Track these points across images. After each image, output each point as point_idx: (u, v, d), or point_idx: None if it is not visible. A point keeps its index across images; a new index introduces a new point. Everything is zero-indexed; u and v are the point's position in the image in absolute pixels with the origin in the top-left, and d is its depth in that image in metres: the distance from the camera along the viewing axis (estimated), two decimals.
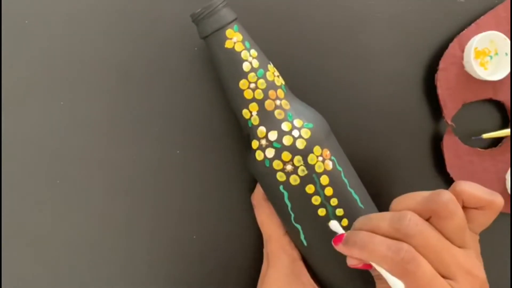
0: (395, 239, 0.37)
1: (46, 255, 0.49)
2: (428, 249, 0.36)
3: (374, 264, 0.38)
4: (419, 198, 0.38)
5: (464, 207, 0.39)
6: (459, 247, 0.38)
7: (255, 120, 0.44)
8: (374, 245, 0.37)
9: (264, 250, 0.49)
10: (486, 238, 0.56)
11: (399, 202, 0.39)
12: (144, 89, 0.50)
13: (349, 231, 0.40)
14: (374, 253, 0.37)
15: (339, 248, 0.39)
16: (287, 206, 0.45)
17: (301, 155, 0.43)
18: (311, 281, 0.47)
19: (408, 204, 0.38)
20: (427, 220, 0.37)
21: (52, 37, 0.48)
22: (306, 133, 0.44)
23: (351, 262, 0.39)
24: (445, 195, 0.37)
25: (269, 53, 0.46)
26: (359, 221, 0.40)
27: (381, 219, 0.38)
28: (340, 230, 0.41)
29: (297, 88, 0.48)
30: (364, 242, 0.37)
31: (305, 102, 0.47)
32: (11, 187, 0.48)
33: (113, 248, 0.50)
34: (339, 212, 0.45)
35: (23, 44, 0.48)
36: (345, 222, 0.45)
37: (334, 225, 0.42)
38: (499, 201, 0.39)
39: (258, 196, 0.49)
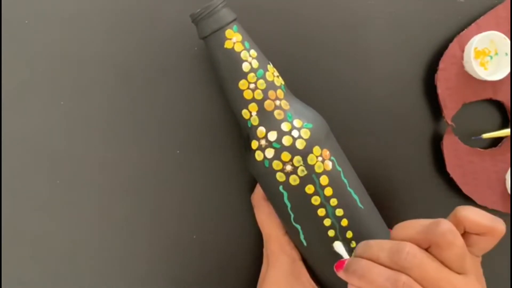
0: (394, 270, 0.37)
1: (46, 255, 0.49)
2: (427, 280, 0.36)
3: None
4: (418, 228, 0.38)
5: (466, 232, 0.39)
6: (459, 273, 0.38)
7: (254, 120, 0.44)
8: (372, 275, 0.37)
9: (264, 251, 0.50)
10: None
11: (399, 231, 0.39)
12: (144, 89, 0.50)
13: (350, 258, 0.40)
14: (373, 284, 0.37)
15: (340, 274, 0.40)
16: (286, 206, 0.45)
17: (300, 155, 0.43)
18: (311, 281, 0.47)
19: (407, 234, 0.38)
20: (427, 249, 0.38)
21: (52, 37, 0.48)
22: (305, 133, 0.44)
23: None
24: (444, 225, 0.37)
25: (268, 54, 0.46)
26: (360, 247, 0.40)
27: (380, 249, 0.38)
28: (343, 252, 0.43)
29: (297, 88, 0.48)
30: (363, 271, 0.38)
31: (305, 102, 0.47)
32: (11, 187, 0.48)
33: (113, 248, 0.50)
34: (339, 212, 0.45)
35: (23, 44, 0.48)
36: (344, 222, 0.45)
37: (337, 246, 0.43)
38: (501, 228, 0.39)
39: (258, 196, 0.49)
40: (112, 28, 0.49)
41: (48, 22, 0.48)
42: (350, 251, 0.45)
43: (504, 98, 0.54)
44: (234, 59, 0.44)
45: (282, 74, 0.47)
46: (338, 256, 0.45)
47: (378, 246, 0.39)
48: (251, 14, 0.50)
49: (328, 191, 0.44)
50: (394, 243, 0.38)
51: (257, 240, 0.51)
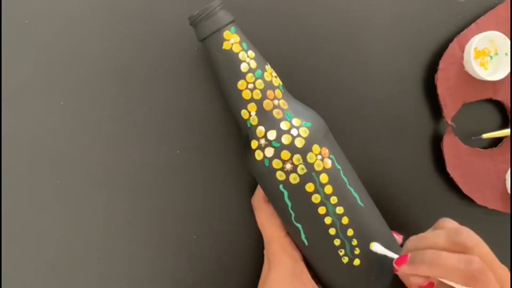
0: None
1: (46, 255, 0.49)
2: (486, 261, 0.38)
3: (443, 280, 0.39)
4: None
5: None
6: None
7: (254, 120, 0.44)
8: (443, 260, 0.38)
9: (265, 252, 0.49)
10: (486, 238, 0.56)
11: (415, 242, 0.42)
12: (144, 89, 0.50)
13: (412, 252, 0.41)
14: (445, 268, 0.38)
15: (404, 269, 0.41)
16: (287, 205, 0.45)
17: (300, 154, 0.43)
18: (312, 281, 0.47)
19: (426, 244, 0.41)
20: None
21: (52, 37, 0.48)
22: (304, 132, 0.44)
23: (417, 281, 0.41)
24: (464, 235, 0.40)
25: (266, 55, 0.46)
26: (412, 240, 0.42)
27: (436, 236, 0.40)
28: (384, 251, 0.43)
29: (296, 89, 0.48)
30: (432, 259, 0.39)
31: (304, 103, 0.47)
32: (11, 187, 0.48)
33: (112, 248, 0.50)
34: (339, 210, 0.45)
35: (23, 44, 0.48)
36: (345, 220, 0.45)
37: (376, 246, 0.44)
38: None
39: (259, 198, 0.49)
40: (113, 29, 0.49)
41: (48, 22, 0.48)
42: (352, 249, 0.45)
43: (504, 98, 0.54)
44: (233, 60, 0.44)
45: (281, 75, 0.47)
46: (339, 256, 0.45)
47: (433, 235, 0.40)
48: (249, 16, 0.50)
49: (328, 189, 0.44)
50: (449, 228, 0.40)
51: (258, 241, 0.51)
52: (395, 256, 0.43)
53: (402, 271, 0.41)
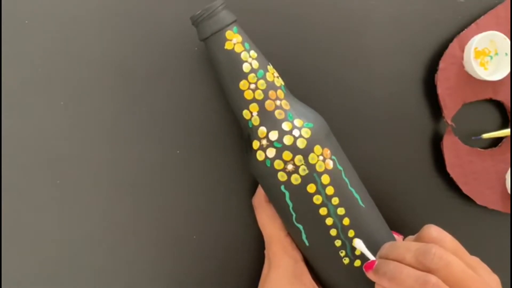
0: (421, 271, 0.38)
1: (46, 255, 0.49)
2: (453, 281, 0.38)
3: None
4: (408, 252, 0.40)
5: None
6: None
7: (255, 120, 0.44)
8: (402, 277, 0.38)
9: (266, 252, 0.49)
10: (486, 238, 0.56)
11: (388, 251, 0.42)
12: (145, 89, 0.50)
13: (379, 260, 0.41)
14: (402, 285, 0.38)
15: (369, 275, 0.41)
16: (288, 206, 0.45)
17: (302, 155, 0.43)
18: (313, 282, 0.47)
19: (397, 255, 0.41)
20: None
21: (52, 37, 0.48)
22: (306, 133, 0.44)
23: None
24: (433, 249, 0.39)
25: (268, 55, 0.46)
26: (386, 248, 0.42)
27: (406, 250, 0.40)
28: (364, 250, 0.44)
29: (297, 89, 0.48)
30: (393, 273, 0.39)
31: (305, 103, 0.47)
32: (11, 187, 0.48)
33: (112, 248, 0.50)
34: (340, 211, 0.45)
35: (23, 44, 0.48)
36: (346, 221, 0.45)
37: (358, 244, 0.44)
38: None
39: (259, 198, 0.49)
40: (113, 29, 0.49)
41: (48, 22, 0.48)
42: (353, 250, 0.45)
43: (504, 98, 0.54)
44: (235, 60, 0.44)
45: (282, 75, 0.47)
46: (340, 256, 0.45)
47: (404, 247, 0.40)
48: (251, 16, 0.50)
49: (330, 190, 0.44)
50: (420, 244, 0.40)
51: (258, 241, 0.51)
52: (371, 257, 0.44)
53: (368, 276, 0.42)
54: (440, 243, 0.40)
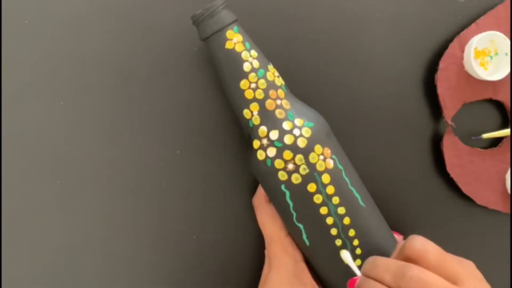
0: None
1: (46, 255, 0.49)
2: None
3: None
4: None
5: None
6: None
7: (256, 120, 0.44)
8: None
9: (266, 252, 0.49)
10: (486, 238, 0.56)
11: (369, 268, 0.42)
12: (145, 89, 0.50)
13: (360, 278, 0.42)
14: None
15: None
16: (289, 205, 0.45)
17: (302, 154, 0.43)
18: (313, 282, 0.47)
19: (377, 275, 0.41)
20: None
21: (52, 37, 0.48)
22: (307, 132, 0.44)
23: None
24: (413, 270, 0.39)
25: (268, 55, 0.46)
26: (368, 264, 0.42)
27: (385, 270, 0.40)
28: (350, 262, 0.44)
29: (297, 88, 0.48)
30: None
31: (305, 103, 0.47)
32: (11, 187, 0.48)
33: (112, 248, 0.50)
34: (341, 210, 0.45)
35: (23, 44, 0.48)
36: (347, 220, 0.45)
37: (345, 256, 0.45)
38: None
39: (260, 198, 0.49)
40: (113, 29, 0.49)
41: (48, 22, 0.48)
42: (353, 250, 0.45)
43: (504, 98, 0.54)
44: (235, 59, 0.44)
45: (282, 75, 0.47)
46: (341, 256, 0.45)
47: (383, 267, 0.40)
48: (251, 15, 0.50)
49: (330, 190, 0.44)
50: (399, 264, 0.39)
51: (258, 241, 0.51)
52: (357, 272, 0.44)
53: None
54: (423, 255, 0.39)
